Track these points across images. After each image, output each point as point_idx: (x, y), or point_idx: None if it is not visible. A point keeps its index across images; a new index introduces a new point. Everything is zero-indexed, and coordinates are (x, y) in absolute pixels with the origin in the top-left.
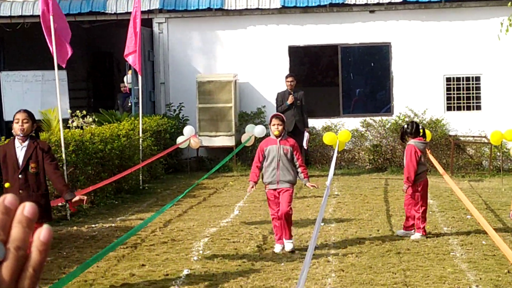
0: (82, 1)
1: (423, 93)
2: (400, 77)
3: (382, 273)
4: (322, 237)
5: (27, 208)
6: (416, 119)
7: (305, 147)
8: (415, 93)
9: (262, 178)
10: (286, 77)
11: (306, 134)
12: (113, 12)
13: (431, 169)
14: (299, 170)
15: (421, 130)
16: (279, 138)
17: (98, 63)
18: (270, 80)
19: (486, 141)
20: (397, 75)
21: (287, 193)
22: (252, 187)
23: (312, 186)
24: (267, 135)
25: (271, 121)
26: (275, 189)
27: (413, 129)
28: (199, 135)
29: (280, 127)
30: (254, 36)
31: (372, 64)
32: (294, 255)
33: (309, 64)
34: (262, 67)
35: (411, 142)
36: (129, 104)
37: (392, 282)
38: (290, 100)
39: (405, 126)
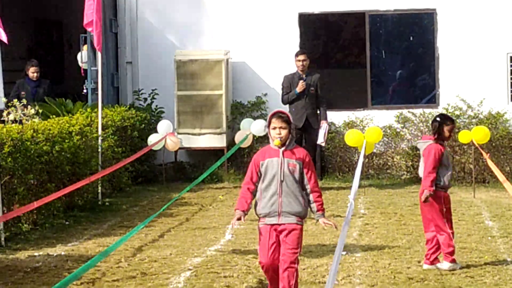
0: None
1: (480, 77)
2: (449, 56)
3: None
4: (344, 270)
5: None
6: (470, 112)
7: (323, 143)
8: (469, 78)
9: (255, 207)
10: (296, 55)
11: (325, 126)
12: None
13: (489, 179)
14: (311, 197)
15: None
16: (283, 148)
17: (43, 36)
18: (273, 59)
19: None
20: (445, 53)
21: (293, 234)
22: (239, 218)
23: (327, 224)
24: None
25: (270, 121)
26: (274, 225)
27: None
28: (178, 133)
29: (284, 132)
30: (253, 0)
31: (411, 38)
32: None
33: (325, 38)
34: (263, 42)
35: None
36: (84, 91)
37: None
38: (300, 87)
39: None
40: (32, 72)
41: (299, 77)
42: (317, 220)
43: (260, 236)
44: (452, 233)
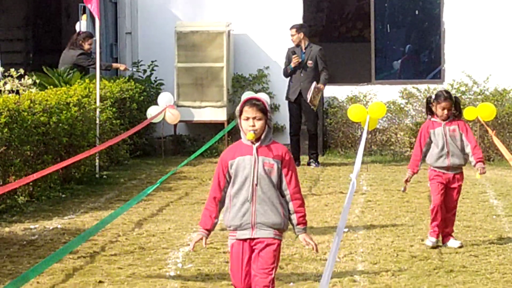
0: None
1: (486, 53)
2: (455, 31)
3: None
4: (346, 248)
5: None
6: (476, 89)
7: (308, 100)
8: (475, 54)
9: (223, 218)
10: (290, 28)
11: (313, 84)
12: None
13: (494, 157)
14: (291, 206)
15: None
16: (257, 144)
17: (40, 5)
18: (276, 32)
19: None
20: (450, 28)
21: (269, 250)
22: (201, 239)
23: (307, 243)
24: (273, 107)
25: (241, 110)
26: (247, 240)
27: None
28: (178, 106)
29: (259, 124)
30: None
31: (417, 12)
32: (307, 271)
33: (329, 11)
34: (265, 14)
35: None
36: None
37: None
38: (293, 62)
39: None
40: (89, 44)
41: (292, 52)
42: (297, 235)
43: (231, 255)
44: (449, 218)
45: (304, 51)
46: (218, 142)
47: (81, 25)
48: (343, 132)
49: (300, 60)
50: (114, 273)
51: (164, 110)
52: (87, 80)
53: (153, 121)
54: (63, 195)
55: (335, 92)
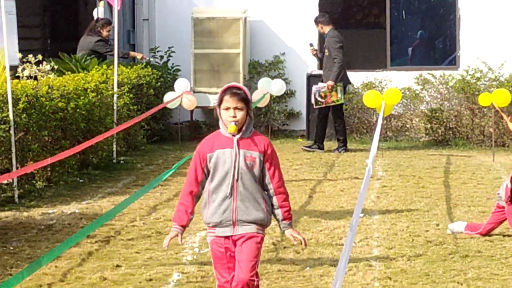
0: None
1: (501, 40)
2: (470, 17)
3: (443, 282)
4: (361, 233)
5: None
6: (491, 75)
7: (312, 101)
8: (490, 40)
9: (201, 214)
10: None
11: (318, 86)
12: None
13: (509, 143)
14: (274, 201)
15: None
16: (238, 136)
17: None
18: (292, 19)
19: None
20: (466, 15)
21: (252, 242)
22: (176, 235)
23: (294, 238)
24: (289, 93)
25: (221, 99)
26: (228, 238)
27: None
28: (195, 92)
29: (240, 114)
30: None
31: None
32: (323, 256)
33: None
34: (281, 0)
35: None
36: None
37: None
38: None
39: None
40: (108, 31)
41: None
42: (283, 232)
43: (214, 256)
44: None
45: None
46: None
47: (98, 12)
48: (358, 118)
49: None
50: (131, 257)
51: (181, 96)
52: (104, 66)
53: (170, 107)
54: (81, 180)
55: (350, 78)
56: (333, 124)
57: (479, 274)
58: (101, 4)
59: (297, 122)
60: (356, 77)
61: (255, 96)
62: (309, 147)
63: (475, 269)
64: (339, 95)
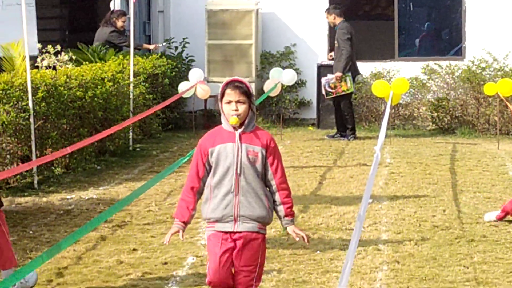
0: None
1: (506, 31)
2: (475, 9)
3: (449, 266)
4: (370, 218)
5: None
6: (495, 65)
7: (323, 93)
8: (495, 31)
9: (202, 210)
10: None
11: (327, 78)
12: None
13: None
14: (277, 197)
15: None
16: (240, 130)
17: None
18: (302, 10)
19: None
20: (471, 6)
21: (252, 246)
22: (177, 231)
23: (297, 235)
24: (300, 82)
25: (223, 93)
26: (228, 233)
27: None
28: (209, 81)
29: (243, 108)
30: None
31: None
32: (333, 241)
33: None
34: None
35: None
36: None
37: (463, 278)
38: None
39: None
40: (123, 21)
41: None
42: (285, 228)
43: (209, 247)
44: None
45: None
46: None
47: (115, 4)
48: (367, 107)
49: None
50: (147, 241)
51: (195, 86)
52: (121, 57)
53: (184, 96)
54: (98, 167)
55: (360, 68)
56: (342, 113)
57: (485, 258)
58: None
59: (307, 111)
60: (365, 67)
61: (267, 86)
62: (333, 136)
63: (481, 253)
64: (349, 85)
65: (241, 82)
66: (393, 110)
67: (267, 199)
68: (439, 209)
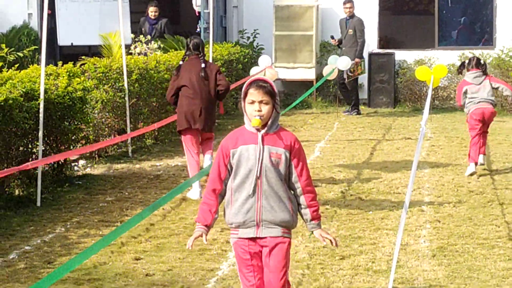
0: None
1: None
2: (505, 6)
3: (483, 225)
4: (414, 183)
5: None
6: None
7: (345, 77)
8: None
9: (224, 214)
10: (344, 3)
11: (350, 62)
12: None
13: None
14: (302, 200)
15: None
16: (263, 132)
17: None
18: (356, 6)
19: None
20: (501, 3)
21: (279, 250)
22: (200, 235)
23: (324, 238)
24: (357, 70)
25: (246, 93)
26: (253, 240)
27: (470, 63)
28: (276, 66)
29: (266, 108)
30: None
31: None
32: (383, 203)
33: None
34: None
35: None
36: (198, 29)
37: (496, 236)
38: (333, 42)
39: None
40: (151, 11)
41: (345, 21)
42: (311, 232)
43: (237, 255)
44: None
45: (348, 20)
46: (308, 96)
47: (197, 1)
48: (411, 89)
49: (336, 41)
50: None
51: (264, 70)
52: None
53: None
54: None
55: (405, 56)
56: (349, 93)
57: None
58: None
59: (360, 92)
60: (409, 55)
61: (325, 71)
62: (349, 112)
63: (510, 214)
64: (363, 68)
65: (265, 81)
66: (433, 92)
67: (290, 203)
68: (474, 177)
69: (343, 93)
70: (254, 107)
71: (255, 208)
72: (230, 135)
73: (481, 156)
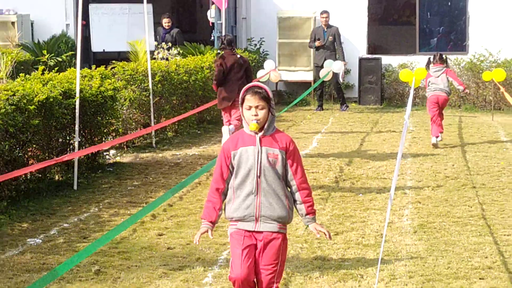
0: None
1: (499, 33)
2: (476, 18)
3: (458, 206)
4: (399, 170)
5: None
6: (490, 59)
7: (341, 80)
8: (491, 33)
9: (224, 209)
10: (321, 13)
11: (343, 66)
12: None
13: (504, 107)
14: (297, 196)
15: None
16: (260, 134)
17: None
18: (348, 17)
19: None
20: (473, 15)
21: (272, 245)
22: (206, 231)
23: (319, 232)
24: (346, 71)
25: (243, 99)
26: (249, 232)
27: (434, 58)
28: (279, 69)
29: (262, 113)
30: None
31: (449, 4)
32: (371, 186)
33: (386, 3)
34: (339, 6)
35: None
36: (212, 38)
37: (469, 215)
38: (318, 43)
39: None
40: (165, 22)
41: (322, 30)
42: (307, 226)
43: (232, 244)
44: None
45: (325, 30)
46: (307, 95)
47: (211, 12)
48: (395, 89)
49: (322, 43)
50: None
51: (269, 73)
52: (215, 51)
53: (261, 80)
54: (199, 132)
55: (390, 60)
56: (338, 92)
57: (484, 200)
58: (213, 7)
59: (351, 91)
60: (394, 60)
61: (321, 73)
62: (346, 107)
63: (481, 196)
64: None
65: (261, 87)
66: (415, 92)
67: (287, 200)
68: (449, 164)
69: (338, 93)
70: (251, 112)
71: (255, 204)
72: (231, 137)
73: (440, 134)
